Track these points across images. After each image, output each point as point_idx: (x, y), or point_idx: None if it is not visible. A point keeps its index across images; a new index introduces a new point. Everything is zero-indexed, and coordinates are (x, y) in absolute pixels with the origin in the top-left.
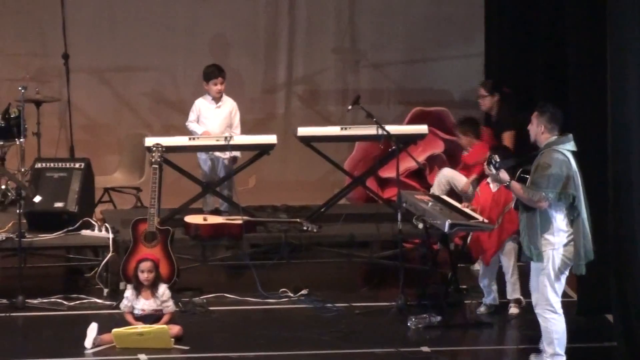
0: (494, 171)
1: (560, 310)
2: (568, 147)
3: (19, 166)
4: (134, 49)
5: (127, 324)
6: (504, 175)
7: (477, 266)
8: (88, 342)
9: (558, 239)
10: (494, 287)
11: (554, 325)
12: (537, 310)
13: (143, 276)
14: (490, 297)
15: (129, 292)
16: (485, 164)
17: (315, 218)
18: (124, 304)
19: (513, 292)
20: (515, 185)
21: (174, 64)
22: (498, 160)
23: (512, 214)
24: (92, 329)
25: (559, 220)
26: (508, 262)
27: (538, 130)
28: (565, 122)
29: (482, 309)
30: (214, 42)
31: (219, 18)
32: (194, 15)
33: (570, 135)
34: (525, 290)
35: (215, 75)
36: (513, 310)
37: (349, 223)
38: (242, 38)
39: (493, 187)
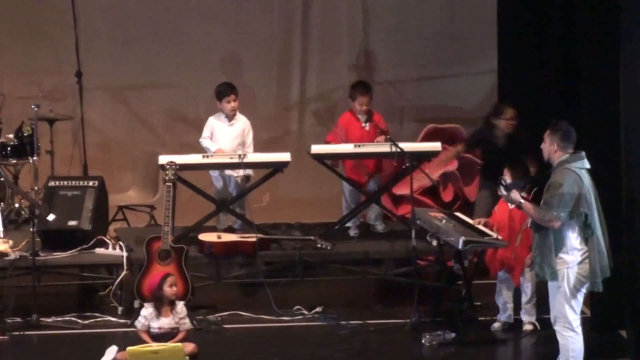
0: (504, 192)
1: (579, 329)
2: (580, 165)
3: (32, 184)
4: (147, 67)
5: (141, 342)
6: (515, 195)
7: (496, 326)
8: None
9: (572, 257)
10: (510, 305)
11: (571, 343)
12: (556, 328)
13: (172, 290)
14: (506, 315)
15: (147, 312)
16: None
17: (329, 235)
18: (141, 322)
19: (529, 317)
20: (527, 205)
21: (188, 82)
22: (508, 181)
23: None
24: (111, 351)
25: (573, 238)
26: (528, 287)
27: (551, 148)
28: (579, 139)
29: (496, 325)
30: (228, 60)
31: (233, 36)
32: (208, 33)
33: (583, 153)
34: (543, 309)
35: (228, 93)
36: (527, 327)
37: (362, 240)
38: (256, 56)
39: (510, 204)
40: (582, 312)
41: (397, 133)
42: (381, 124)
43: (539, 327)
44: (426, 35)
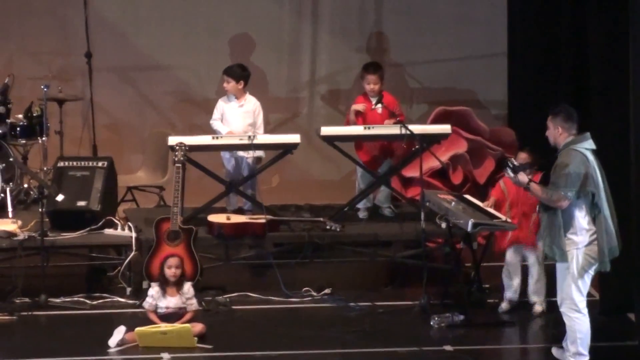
0: (511, 174)
1: (585, 310)
2: (586, 146)
3: (41, 165)
4: (157, 48)
5: (150, 322)
6: (522, 177)
7: (504, 306)
8: (112, 342)
9: (582, 237)
10: (516, 282)
11: (578, 324)
12: (562, 309)
13: (170, 272)
14: (511, 291)
15: (153, 291)
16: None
17: (338, 217)
18: (148, 302)
19: (538, 297)
20: (534, 186)
21: (198, 63)
22: (515, 163)
23: None
24: (120, 331)
25: (581, 218)
26: (534, 270)
27: (556, 132)
28: (588, 121)
29: (504, 306)
30: (237, 41)
31: (243, 17)
32: (218, 14)
33: (588, 134)
34: (552, 292)
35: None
36: (537, 308)
37: (372, 222)
38: (266, 37)
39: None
40: (591, 295)
41: (407, 115)
42: (392, 105)
43: (545, 307)
44: (436, 17)
